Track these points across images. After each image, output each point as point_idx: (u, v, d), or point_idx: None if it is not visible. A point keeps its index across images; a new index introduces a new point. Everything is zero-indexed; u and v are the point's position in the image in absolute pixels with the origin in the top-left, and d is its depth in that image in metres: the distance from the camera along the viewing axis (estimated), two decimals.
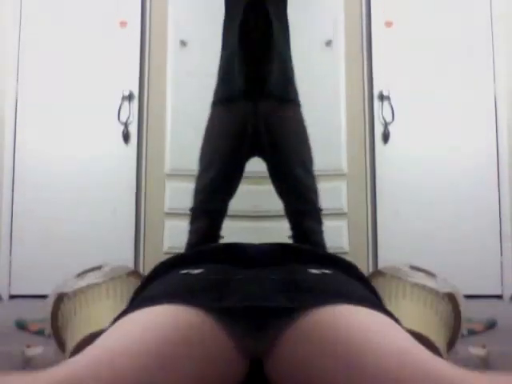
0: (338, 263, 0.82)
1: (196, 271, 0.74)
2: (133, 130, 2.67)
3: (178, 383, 0.55)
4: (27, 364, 1.38)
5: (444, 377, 0.48)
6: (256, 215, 2.45)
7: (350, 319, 0.59)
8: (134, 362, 0.53)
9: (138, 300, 0.71)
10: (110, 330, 0.62)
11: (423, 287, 1.08)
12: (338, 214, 2.57)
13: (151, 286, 0.76)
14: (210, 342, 0.60)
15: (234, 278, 0.71)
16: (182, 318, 0.61)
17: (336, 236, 2.45)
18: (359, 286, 0.75)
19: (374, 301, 0.72)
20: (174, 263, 0.81)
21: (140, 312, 0.63)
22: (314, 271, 0.74)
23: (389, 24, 2.69)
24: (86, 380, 0.49)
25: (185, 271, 0.75)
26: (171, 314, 0.61)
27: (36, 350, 1.40)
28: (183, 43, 2.67)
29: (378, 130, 2.67)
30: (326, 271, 0.75)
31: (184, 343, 0.58)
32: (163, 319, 0.60)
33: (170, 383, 0.54)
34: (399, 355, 0.52)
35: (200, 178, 1.34)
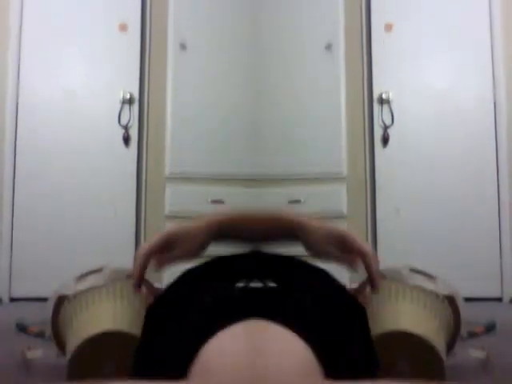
0: None
1: None
2: (133, 133, 2.67)
3: None
4: (28, 366, 1.38)
5: None
6: None
7: None
8: None
9: None
10: None
11: (423, 289, 1.08)
12: (338, 217, 2.57)
13: None
14: None
15: None
16: None
17: None
18: None
19: None
20: None
21: None
22: None
23: (389, 27, 2.70)
24: None
25: None
26: None
27: (36, 353, 1.40)
28: (183, 46, 2.68)
29: (378, 133, 2.67)
30: None
31: None
32: None
33: None
34: None
35: None
